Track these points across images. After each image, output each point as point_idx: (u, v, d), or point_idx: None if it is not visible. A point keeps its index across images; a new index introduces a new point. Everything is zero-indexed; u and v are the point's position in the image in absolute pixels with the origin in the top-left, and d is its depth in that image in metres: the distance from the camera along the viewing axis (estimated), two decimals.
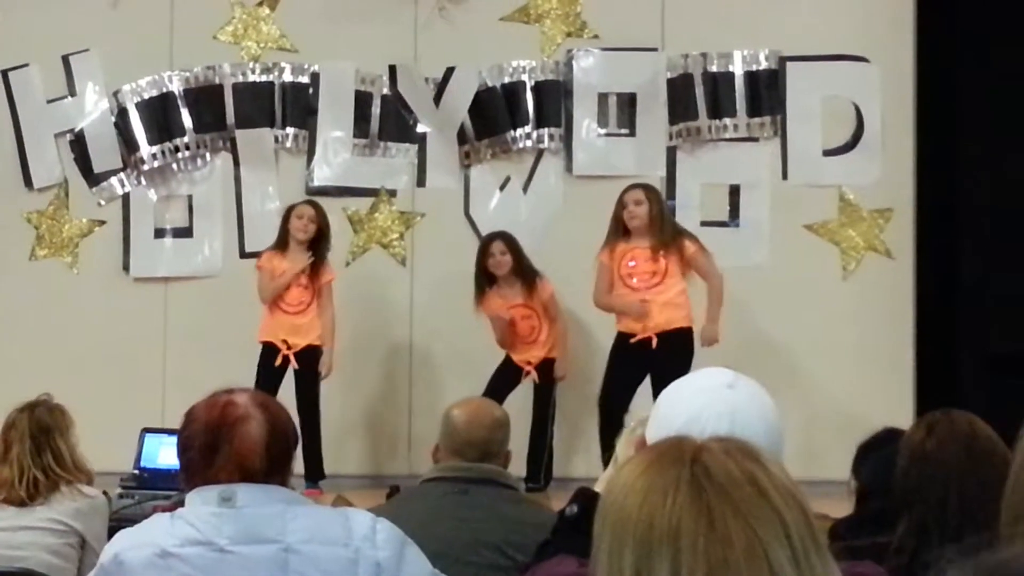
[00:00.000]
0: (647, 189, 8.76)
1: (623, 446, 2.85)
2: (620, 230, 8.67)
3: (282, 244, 9.01)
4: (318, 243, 8.99)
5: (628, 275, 8.63)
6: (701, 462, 1.70)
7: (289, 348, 8.80)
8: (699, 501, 1.66)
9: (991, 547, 1.36)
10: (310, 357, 8.85)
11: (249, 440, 3.28)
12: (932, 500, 3.16)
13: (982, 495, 2.96)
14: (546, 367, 8.93)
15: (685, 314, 8.59)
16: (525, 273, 9.00)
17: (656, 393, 8.24)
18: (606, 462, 8.24)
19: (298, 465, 8.19)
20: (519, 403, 8.51)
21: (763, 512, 1.66)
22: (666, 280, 8.57)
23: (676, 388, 2.69)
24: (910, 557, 3.08)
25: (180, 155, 9.90)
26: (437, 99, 9.73)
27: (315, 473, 8.72)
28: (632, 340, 8.53)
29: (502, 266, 8.97)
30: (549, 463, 8.93)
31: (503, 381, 8.72)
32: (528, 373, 8.89)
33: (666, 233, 8.63)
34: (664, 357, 8.32)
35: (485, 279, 9.02)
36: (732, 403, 2.56)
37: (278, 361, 8.77)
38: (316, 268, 8.95)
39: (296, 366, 8.79)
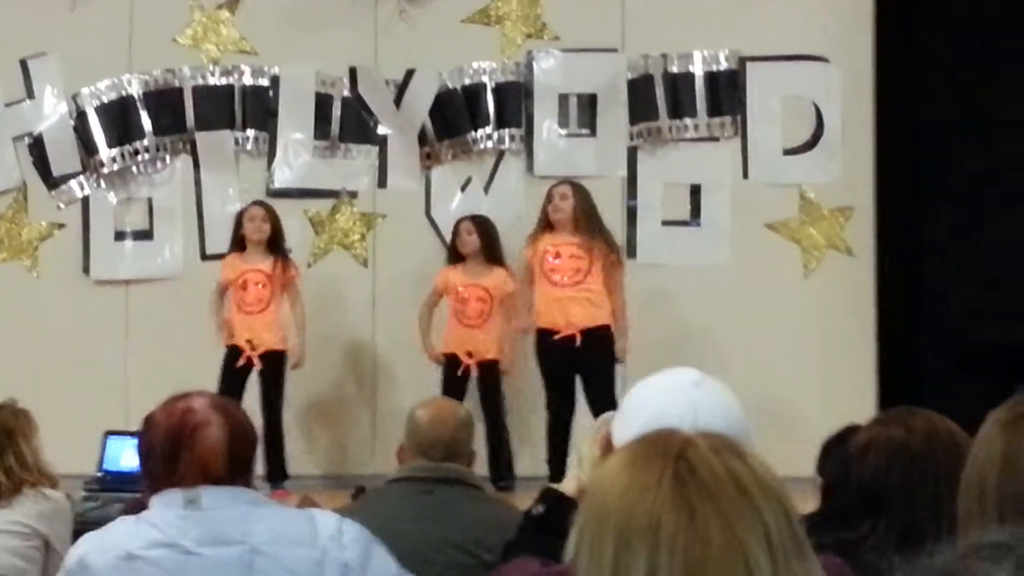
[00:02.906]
0: (575, 186, 8.81)
1: (589, 444, 2.86)
2: (544, 225, 8.72)
3: (239, 247, 9.01)
4: (274, 242, 8.99)
5: (551, 270, 8.65)
6: (686, 458, 1.71)
7: (253, 348, 8.79)
8: (680, 497, 1.67)
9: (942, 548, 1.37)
10: (274, 360, 8.84)
11: (210, 444, 3.28)
12: (920, 500, 3.16)
13: None
14: (491, 368, 8.91)
15: (606, 312, 8.62)
16: (493, 258, 9.02)
17: (587, 392, 8.33)
18: (550, 463, 8.38)
19: (261, 466, 8.21)
20: (467, 404, 8.52)
21: (743, 511, 1.66)
22: (589, 278, 8.62)
23: (642, 386, 2.71)
24: (891, 556, 3.08)
25: (140, 158, 9.86)
26: (398, 101, 9.72)
27: (278, 474, 8.73)
28: (555, 337, 8.57)
29: (467, 245, 8.99)
30: (509, 461, 8.95)
31: (454, 386, 8.70)
32: (467, 367, 8.87)
33: (594, 231, 8.67)
34: (590, 356, 8.43)
35: (453, 257, 9.08)
36: (696, 401, 2.57)
37: (240, 362, 8.76)
38: (277, 267, 8.94)
39: (259, 366, 8.78)
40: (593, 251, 8.62)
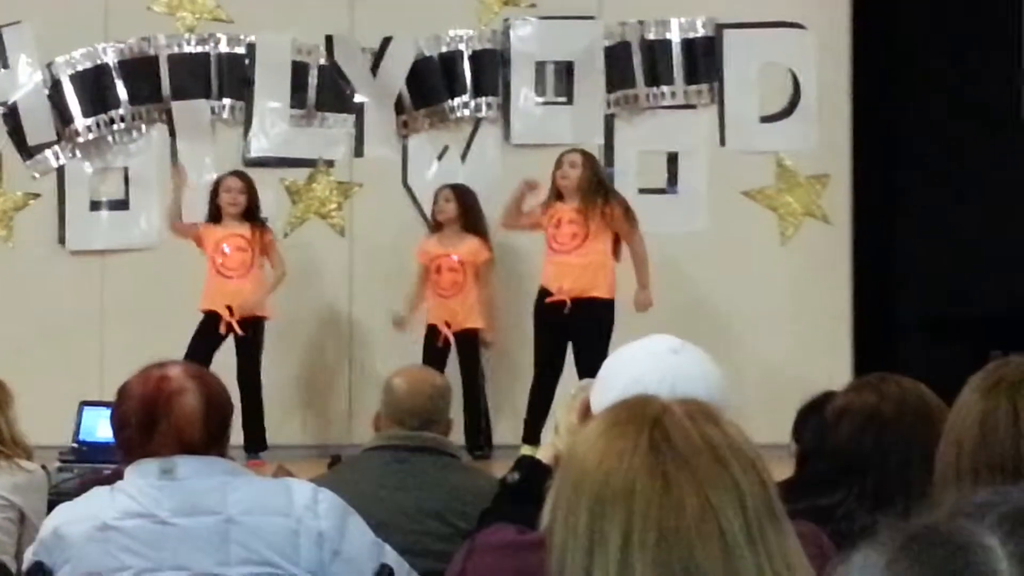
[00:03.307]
0: (585, 155, 8.83)
1: (565, 411, 2.85)
2: (556, 192, 8.75)
3: (215, 218, 9.01)
4: (250, 212, 9.00)
5: (552, 237, 8.72)
6: (662, 425, 1.70)
7: (232, 314, 8.77)
8: (655, 465, 1.66)
9: (919, 511, 1.37)
10: (253, 328, 8.83)
11: (186, 412, 3.28)
12: (892, 465, 3.17)
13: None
14: (468, 337, 8.91)
15: (605, 283, 8.64)
16: (470, 227, 9.01)
17: (577, 360, 8.31)
18: (527, 426, 8.41)
19: (239, 436, 8.19)
20: (447, 373, 8.53)
21: (719, 479, 1.65)
22: (587, 244, 8.65)
23: (622, 352, 2.71)
24: (865, 522, 3.09)
25: (115, 127, 9.81)
26: (374, 69, 9.69)
27: (257, 444, 8.73)
28: (547, 300, 8.61)
29: (444, 212, 9.02)
30: (488, 430, 8.97)
31: (435, 356, 8.72)
32: (444, 336, 8.86)
33: (599, 198, 8.68)
34: (580, 326, 8.47)
35: (432, 225, 9.10)
36: (675, 368, 2.57)
37: (223, 330, 8.75)
38: (256, 232, 8.95)
39: (240, 332, 8.76)
40: (592, 218, 8.62)
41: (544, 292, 8.72)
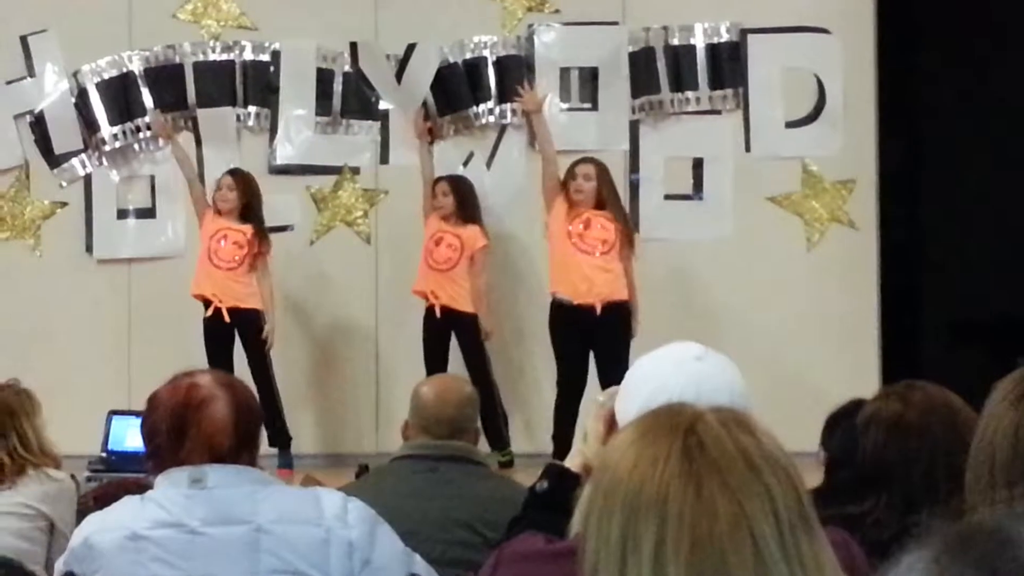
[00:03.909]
0: (598, 166, 8.79)
1: (592, 420, 2.85)
2: (566, 200, 8.71)
3: (217, 212, 9.09)
4: (248, 211, 9.03)
5: (579, 235, 8.64)
6: (695, 433, 1.70)
7: (220, 302, 8.83)
8: (689, 472, 1.66)
9: (959, 515, 1.39)
10: (250, 325, 8.89)
11: (216, 420, 3.29)
12: (917, 473, 3.17)
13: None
14: (470, 323, 8.92)
15: (624, 289, 8.62)
16: (468, 218, 9.07)
17: (600, 366, 8.19)
18: (556, 439, 8.33)
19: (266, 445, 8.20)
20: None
21: (752, 487, 1.66)
22: (611, 252, 8.63)
23: (646, 360, 2.70)
24: (894, 530, 3.09)
25: (141, 135, 9.85)
26: (399, 76, 9.70)
27: (278, 439, 8.74)
28: (574, 304, 8.55)
29: (443, 208, 9.05)
30: (504, 419, 8.94)
31: (436, 344, 8.80)
32: (434, 308, 8.89)
33: (620, 210, 8.69)
34: (609, 329, 8.40)
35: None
36: (699, 374, 2.57)
37: (209, 312, 8.82)
38: (255, 235, 9.00)
39: (227, 319, 8.81)
40: (619, 228, 8.62)
41: (559, 303, 8.66)
